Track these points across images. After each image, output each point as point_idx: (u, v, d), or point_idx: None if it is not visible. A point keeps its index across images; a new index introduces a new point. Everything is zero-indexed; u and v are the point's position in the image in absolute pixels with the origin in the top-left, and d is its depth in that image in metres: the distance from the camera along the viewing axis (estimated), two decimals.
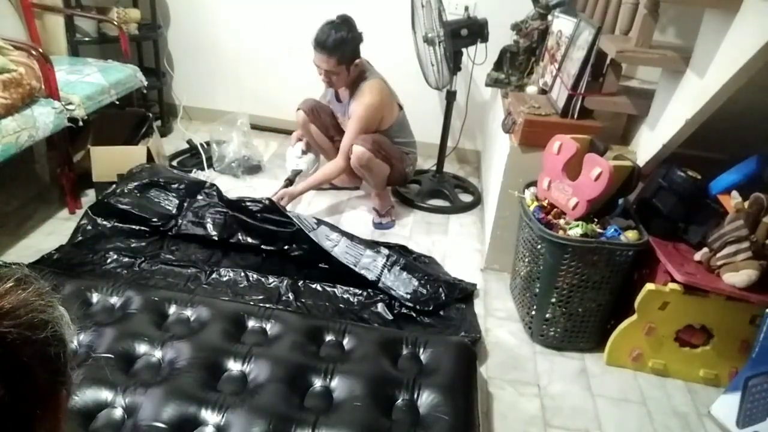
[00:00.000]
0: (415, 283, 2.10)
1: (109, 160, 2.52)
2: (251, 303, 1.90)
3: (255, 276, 2.09)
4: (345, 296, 2.06)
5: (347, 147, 2.58)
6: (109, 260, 2.06)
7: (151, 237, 2.26)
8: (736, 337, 1.81)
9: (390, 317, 1.99)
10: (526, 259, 2.02)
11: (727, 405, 1.72)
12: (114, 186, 2.37)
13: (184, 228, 2.28)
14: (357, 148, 2.50)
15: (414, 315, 2.02)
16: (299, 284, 2.08)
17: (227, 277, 2.07)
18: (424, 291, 2.08)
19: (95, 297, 1.64)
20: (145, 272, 2.04)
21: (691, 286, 1.72)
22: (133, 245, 2.19)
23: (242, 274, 2.09)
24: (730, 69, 1.50)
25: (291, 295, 2.03)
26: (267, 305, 1.82)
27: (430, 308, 2.03)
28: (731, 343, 1.83)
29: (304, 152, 2.92)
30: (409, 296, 2.05)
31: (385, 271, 2.14)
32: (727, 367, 1.86)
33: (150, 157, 2.63)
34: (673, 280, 1.74)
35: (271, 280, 2.08)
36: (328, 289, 2.08)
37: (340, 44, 2.42)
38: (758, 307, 1.68)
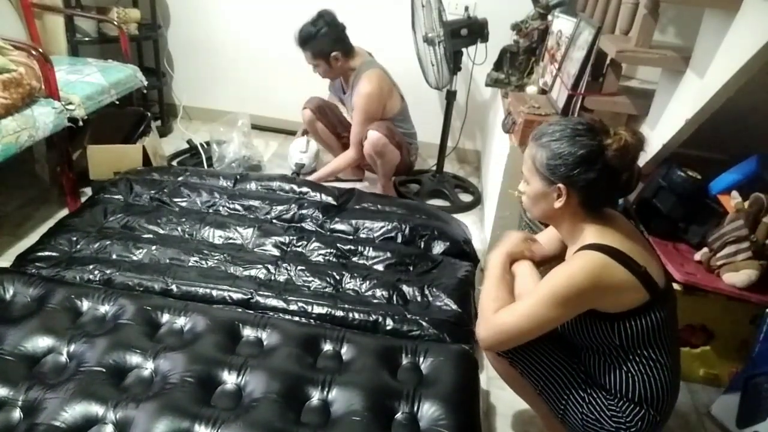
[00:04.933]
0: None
1: (106, 159, 2.52)
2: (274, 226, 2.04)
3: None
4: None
5: (357, 137, 2.62)
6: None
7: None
8: (736, 337, 1.81)
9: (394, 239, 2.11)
10: None
11: (727, 405, 1.72)
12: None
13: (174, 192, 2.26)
14: (372, 133, 2.54)
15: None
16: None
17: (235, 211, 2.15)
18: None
19: (85, 305, 1.57)
20: (146, 207, 2.11)
21: (691, 285, 1.72)
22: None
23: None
24: (730, 69, 1.50)
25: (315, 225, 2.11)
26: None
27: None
28: (731, 343, 1.83)
29: (307, 145, 2.95)
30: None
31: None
32: (727, 367, 1.86)
33: (146, 156, 2.63)
34: (674, 280, 1.74)
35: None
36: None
37: (309, 39, 2.53)
38: (758, 307, 1.68)
